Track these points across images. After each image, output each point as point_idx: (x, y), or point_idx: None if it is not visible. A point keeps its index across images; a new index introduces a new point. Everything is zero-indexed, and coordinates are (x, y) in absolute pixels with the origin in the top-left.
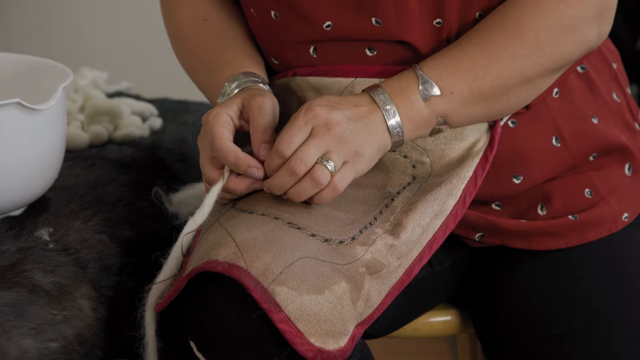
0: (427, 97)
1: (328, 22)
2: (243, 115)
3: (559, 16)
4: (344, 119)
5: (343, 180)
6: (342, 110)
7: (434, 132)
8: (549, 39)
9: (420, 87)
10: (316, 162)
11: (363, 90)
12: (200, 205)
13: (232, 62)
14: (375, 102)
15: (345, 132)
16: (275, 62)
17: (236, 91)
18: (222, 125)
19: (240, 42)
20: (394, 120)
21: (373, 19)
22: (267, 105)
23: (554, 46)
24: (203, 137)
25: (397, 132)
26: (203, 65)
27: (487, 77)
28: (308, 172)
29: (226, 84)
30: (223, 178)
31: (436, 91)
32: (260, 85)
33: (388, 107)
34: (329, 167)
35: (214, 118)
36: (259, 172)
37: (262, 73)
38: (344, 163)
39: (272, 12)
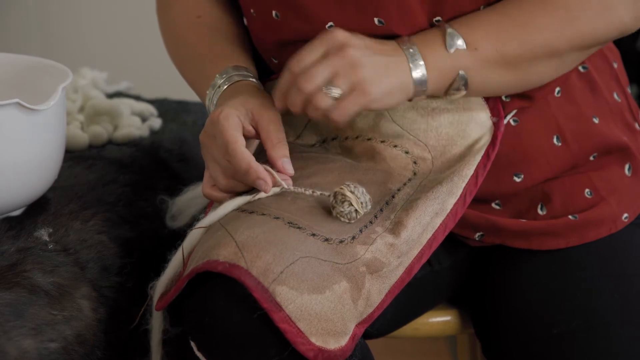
0: (452, 46)
1: (330, 23)
2: (251, 122)
3: None
4: (361, 44)
5: (346, 109)
6: (364, 39)
7: (452, 91)
8: (580, 17)
9: (446, 37)
10: (321, 90)
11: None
12: (219, 207)
13: (223, 56)
14: (401, 48)
15: (358, 56)
16: (275, 61)
17: (226, 85)
18: (235, 128)
19: (232, 39)
20: (418, 69)
21: (375, 19)
22: (279, 121)
23: (585, 24)
24: (210, 135)
25: (422, 79)
26: (194, 59)
27: (512, 42)
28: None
29: (217, 75)
30: (254, 196)
31: (461, 43)
32: (251, 79)
33: (412, 51)
34: (333, 94)
35: (225, 120)
36: (265, 186)
37: (252, 68)
38: (352, 91)
39: (274, 12)
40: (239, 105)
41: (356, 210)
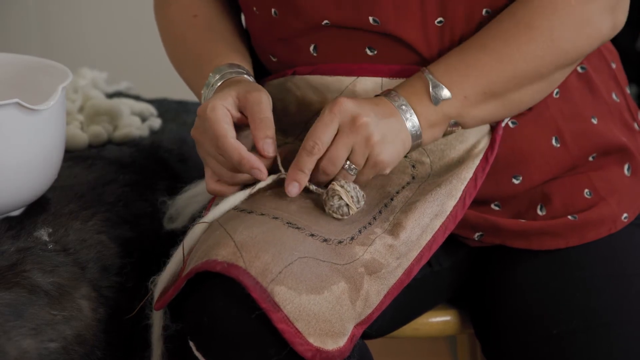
0: (438, 102)
1: (326, 21)
2: (239, 108)
3: (573, 12)
4: (370, 112)
5: (364, 179)
6: (368, 105)
7: (446, 133)
8: (563, 37)
9: (430, 91)
10: (342, 168)
11: (376, 96)
12: (220, 202)
13: (219, 55)
14: (393, 105)
15: (369, 126)
16: (274, 59)
17: (219, 83)
18: (223, 120)
19: (229, 38)
20: (410, 123)
21: (370, 18)
22: (265, 101)
23: (568, 43)
24: (202, 131)
25: (416, 133)
26: (190, 57)
27: (500, 79)
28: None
29: (210, 74)
30: (253, 188)
31: (446, 94)
32: (245, 76)
33: (404, 108)
34: (352, 173)
35: (213, 112)
36: (260, 174)
37: (247, 66)
38: (367, 164)
39: (272, 10)
40: (225, 95)
41: (347, 204)
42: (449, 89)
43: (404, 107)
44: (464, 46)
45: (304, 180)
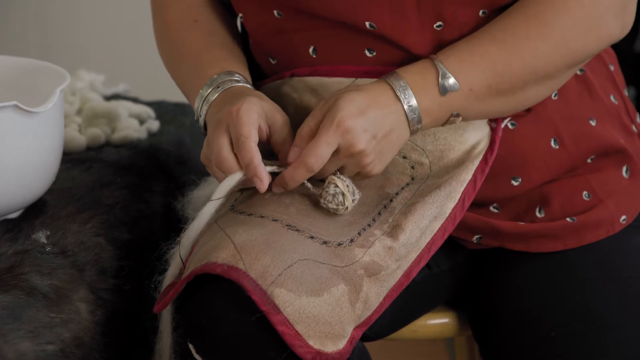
0: (446, 92)
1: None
2: (265, 121)
3: (585, 13)
4: (370, 140)
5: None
6: (370, 126)
7: (447, 123)
8: (574, 37)
9: (440, 81)
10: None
11: (383, 78)
12: (214, 192)
13: (220, 60)
14: (399, 99)
15: (366, 155)
16: (273, 62)
17: (216, 94)
18: (253, 124)
19: (230, 45)
20: (414, 115)
21: (367, 23)
22: (290, 124)
23: (578, 43)
24: (223, 123)
25: (417, 126)
26: (188, 59)
27: (507, 74)
28: None
29: (216, 76)
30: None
31: (455, 86)
32: (247, 86)
33: (411, 103)
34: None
35: (245, 113)
36: (260, 184)
37: (247, 75)
38: (357, 175)
39: (275, 11)
40: (256, 101)
41: (342, 193)
42: (456, 79)
43: (411, 103)
44: (473, 36)
45: (293, 188)
